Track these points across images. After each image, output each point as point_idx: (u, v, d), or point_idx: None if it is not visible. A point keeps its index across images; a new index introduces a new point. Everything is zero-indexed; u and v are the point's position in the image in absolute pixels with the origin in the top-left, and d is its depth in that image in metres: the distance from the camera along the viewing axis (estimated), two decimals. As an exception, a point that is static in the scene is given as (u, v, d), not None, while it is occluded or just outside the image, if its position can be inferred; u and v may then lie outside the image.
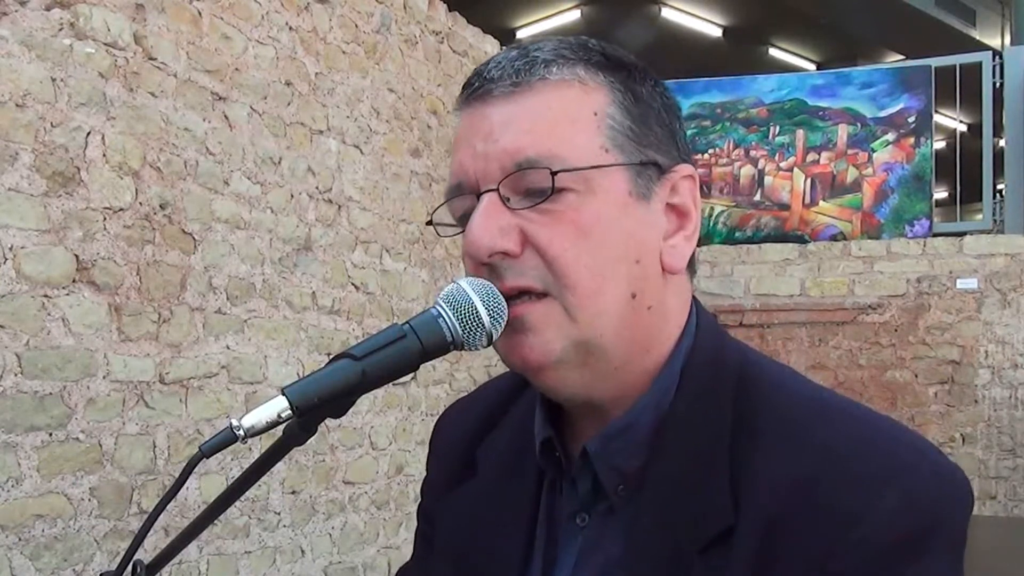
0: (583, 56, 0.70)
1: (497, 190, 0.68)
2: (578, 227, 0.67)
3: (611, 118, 0.69)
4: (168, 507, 0.67)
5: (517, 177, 0.67)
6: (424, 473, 0.92)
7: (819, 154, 5.81)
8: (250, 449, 2.72)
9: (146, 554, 0.69)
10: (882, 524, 0.60)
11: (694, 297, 0.76)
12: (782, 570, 0.61)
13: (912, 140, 5.68)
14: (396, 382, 1.14)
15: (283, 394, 0.63)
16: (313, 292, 3.19)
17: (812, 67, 12.01)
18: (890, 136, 5.71)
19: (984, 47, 9.08)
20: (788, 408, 0.68)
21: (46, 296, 2.23)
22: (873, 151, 5.73)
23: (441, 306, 0.68)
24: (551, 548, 0.75)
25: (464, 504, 0.82)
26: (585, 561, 0.72)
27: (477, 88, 0.70)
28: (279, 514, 3.04)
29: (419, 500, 0.92)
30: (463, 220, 0.71)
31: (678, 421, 0.70)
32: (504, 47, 4.75)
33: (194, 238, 2.68)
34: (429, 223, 0.76)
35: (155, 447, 2.53)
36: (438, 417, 0.94)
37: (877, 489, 0.61)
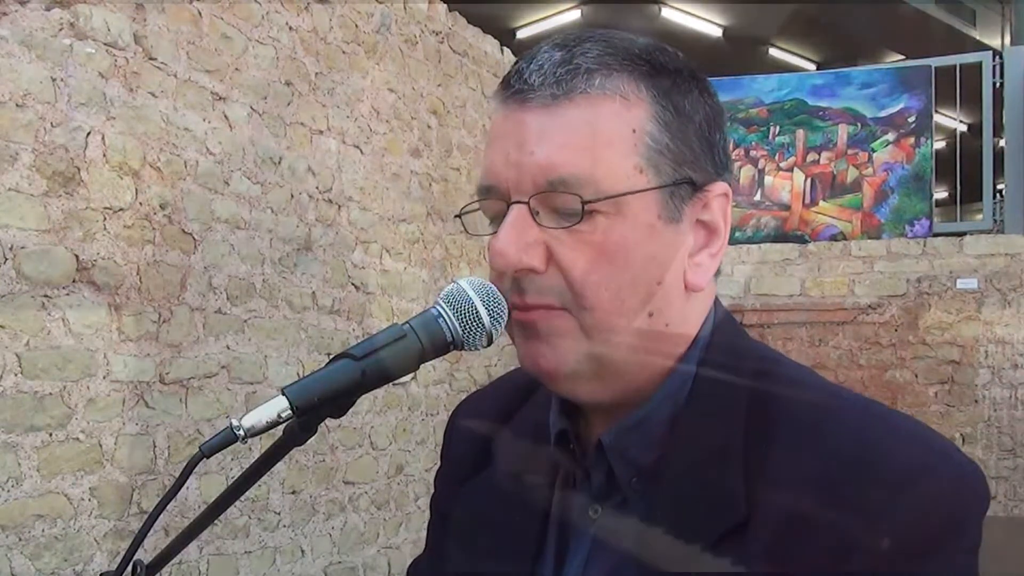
0: (628, 66, 0.69)
1: (528, 203, 0.68)
2: (603, 251, 0.67)
3: (649, 135, 0.68)
4: (168, 507, 0.67)
5: (548, 195, 0.67)
6: (426, 470, 0.92)
7: (819, 154, 5.81)
8: (250, 449, 2.72)
9: (146, 554, 0.69)
10: (903, 525, 0.60)
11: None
12: (799, 567, 0.61)
13: (912, 140, 5.68)
14: (396, 382, 1.14)
15: (283, 394, 0.63)
16: (313, 292, 3.19)
17: (812, 67, 11.99)
18: (890, 136, 5.71)
19: (984, 47, 9.07)
20: (805, 404, 0.68)
21: (46, 296, 2.23)
22: (873, 151, 5.73)
23: (441, 306, 0.68)
24: (564, 540, 0.76)
25: (478, 495, 0.82)
26: (598, 553, 0.73)
27: (517, 91, 0.69)
28: (279, 514, 3.04)
29: (426, 495, 0.92)
30: (493, 221, 0.71)
31: (692, 415, 0.70)
32: (504, 46, 4.68)
33: (194, 238, 2.68)
34: (458, 216, 0.77)
35: (155, 447, 2.53)
36: (453, 409, 0.95)
37: (899, 490, 0.61)
